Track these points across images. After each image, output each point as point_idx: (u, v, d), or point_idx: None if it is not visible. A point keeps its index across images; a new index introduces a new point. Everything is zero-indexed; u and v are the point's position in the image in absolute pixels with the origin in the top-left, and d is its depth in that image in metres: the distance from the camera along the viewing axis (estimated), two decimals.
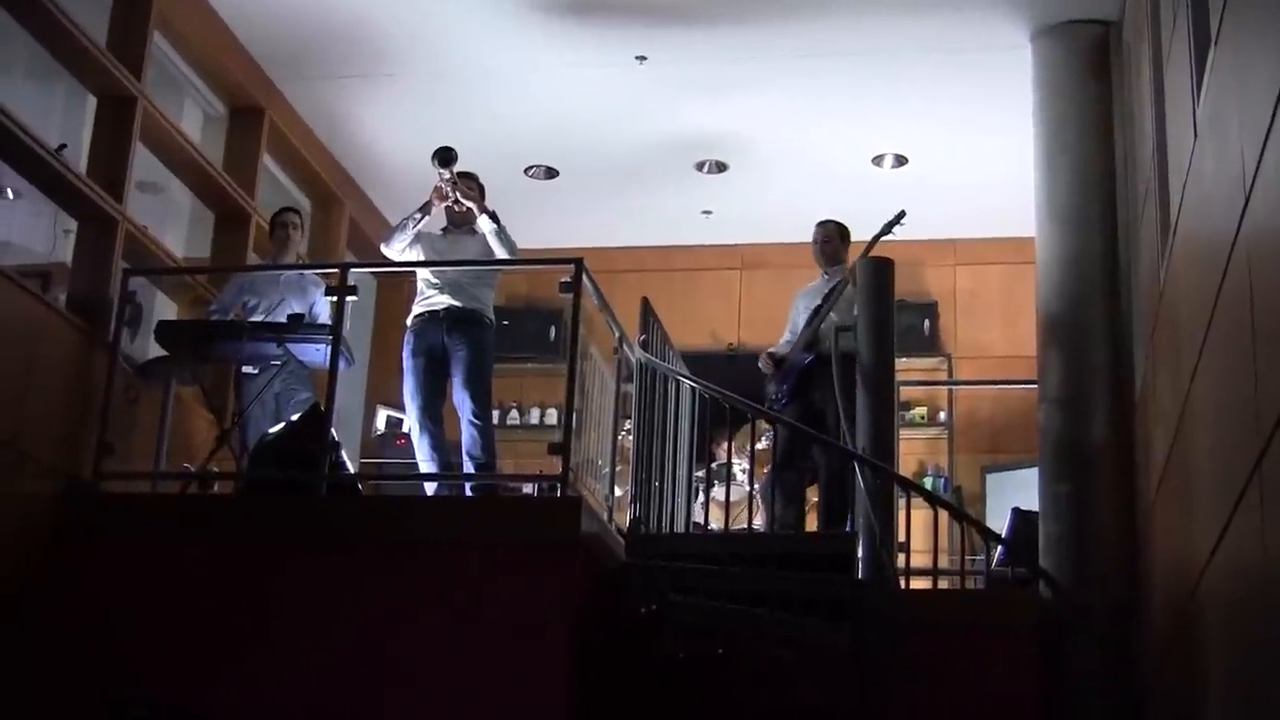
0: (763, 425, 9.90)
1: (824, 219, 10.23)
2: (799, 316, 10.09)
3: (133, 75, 9.14)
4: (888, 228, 9.75)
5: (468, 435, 9.21)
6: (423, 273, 9.55)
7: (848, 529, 8.62)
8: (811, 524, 9.83)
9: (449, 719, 7.32)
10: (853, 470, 8.30)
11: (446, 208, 9.64)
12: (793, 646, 7.53)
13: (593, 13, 10.05)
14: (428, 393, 9.37)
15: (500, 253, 9.45)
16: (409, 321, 9.51)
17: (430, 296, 9.44)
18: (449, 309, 9.36)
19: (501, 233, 9.46)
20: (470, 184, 9.71)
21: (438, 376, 9.39)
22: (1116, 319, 8.93)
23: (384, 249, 9.79)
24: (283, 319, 9.33)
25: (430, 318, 9.40)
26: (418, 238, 9.65)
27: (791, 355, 9.89)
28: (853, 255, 9.87)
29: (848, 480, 8.54)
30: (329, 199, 12.35)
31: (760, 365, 10.04)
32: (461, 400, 9.27)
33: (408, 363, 9.42)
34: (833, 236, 10.13)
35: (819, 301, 9.87)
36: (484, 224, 9.48)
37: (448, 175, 9.46)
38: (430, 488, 9.34)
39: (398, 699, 7.37)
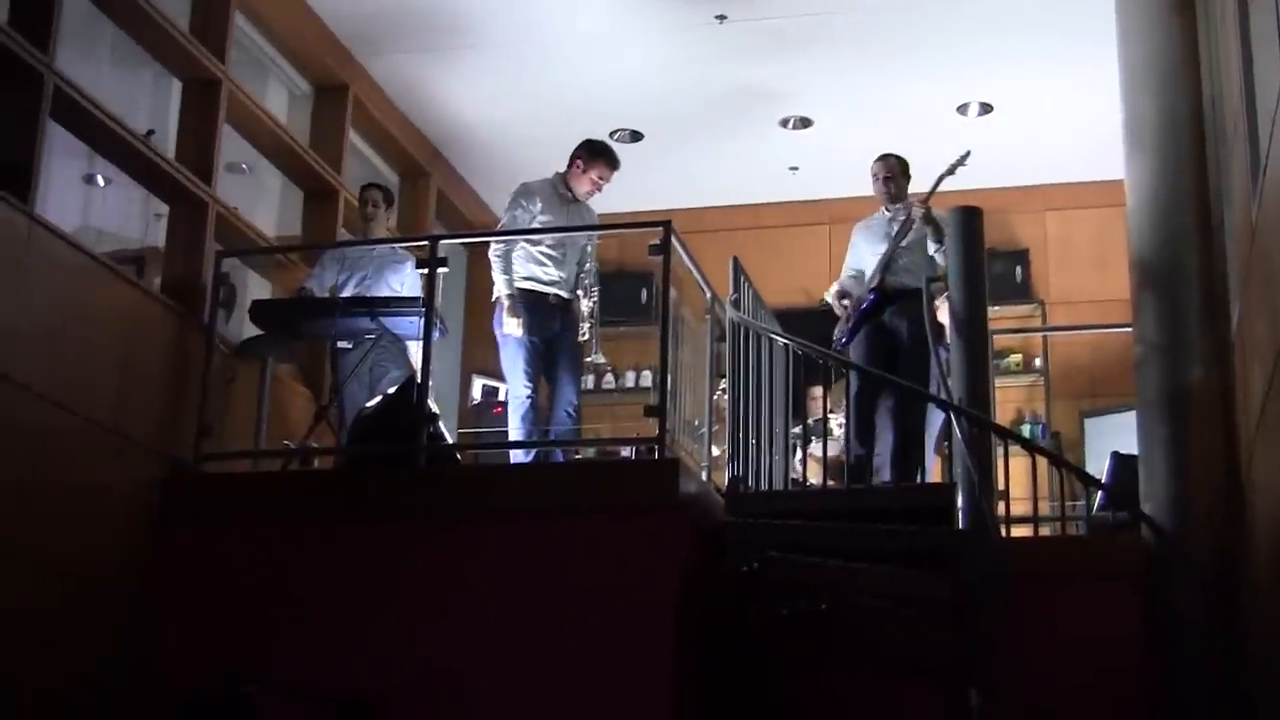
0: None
1: (884, 153, 10.12)
2: (860, 253, 10.08)
3: (216, 58, 9.23)
4: (953, 168, 9.67)
5: (561, 424, 9.33)
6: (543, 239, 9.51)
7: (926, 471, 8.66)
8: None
9: (555, 685, 7.37)
10: (949, 420, 8.30)
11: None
12: (895, 600, 7.52)
13: None
14: (537, 370, 9.38)
15: None
16: (518, 286, 9.39)
17: (545, 275, 9.46)
18: (560, 299, 9.45)
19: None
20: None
21: (545, 357, 9.43)
22: (1210, 259, 8.82)
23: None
24: (378, 294, 9.42)
25: (541, 301, 9.42)
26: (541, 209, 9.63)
27: (859, 291, 9.85)
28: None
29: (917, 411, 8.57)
30: (416, 172, 12.42)
31: (834, 308, 10.00)
32: (563, 389, 9.39)
33: (518, 333, 9.35)
34: (895, 172, 10.00)
35: (882, 240, 9.88)
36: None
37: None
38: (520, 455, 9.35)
39: (503, 665, 7.44)
